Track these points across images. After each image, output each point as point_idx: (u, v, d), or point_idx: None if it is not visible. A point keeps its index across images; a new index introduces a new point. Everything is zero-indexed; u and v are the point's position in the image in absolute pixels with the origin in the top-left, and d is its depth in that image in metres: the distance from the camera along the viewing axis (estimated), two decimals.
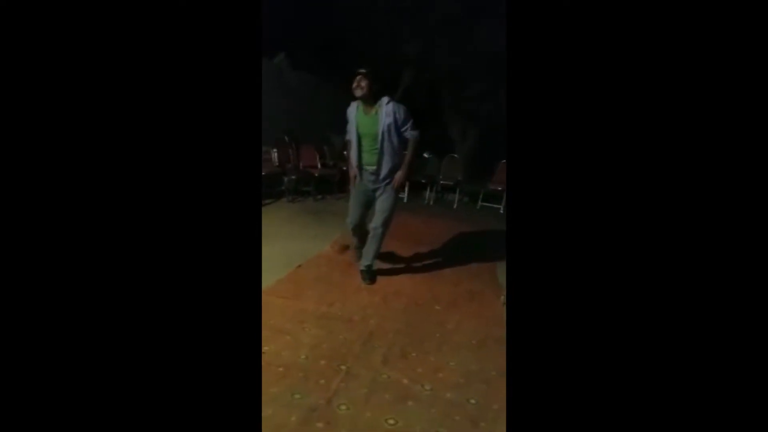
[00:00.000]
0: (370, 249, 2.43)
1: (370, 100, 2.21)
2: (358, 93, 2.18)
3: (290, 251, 2.83)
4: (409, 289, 2.43)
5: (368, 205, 2.42)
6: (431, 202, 5.49)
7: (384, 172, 2.27)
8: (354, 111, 2.29)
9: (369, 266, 2.44)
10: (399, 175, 2.30)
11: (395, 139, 2.24)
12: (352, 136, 2.31)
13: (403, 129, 2.24)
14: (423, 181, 5.65)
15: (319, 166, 5.25)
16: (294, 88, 5.58)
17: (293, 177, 4.79)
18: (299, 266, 2.58)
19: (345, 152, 2.44)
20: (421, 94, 6.51)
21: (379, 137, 2.21)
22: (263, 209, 4.00)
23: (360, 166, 2.33)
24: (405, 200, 5.44)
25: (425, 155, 6.37)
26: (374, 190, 2.36)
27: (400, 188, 2.36)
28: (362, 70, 2.17)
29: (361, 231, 2.50)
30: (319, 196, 4.94)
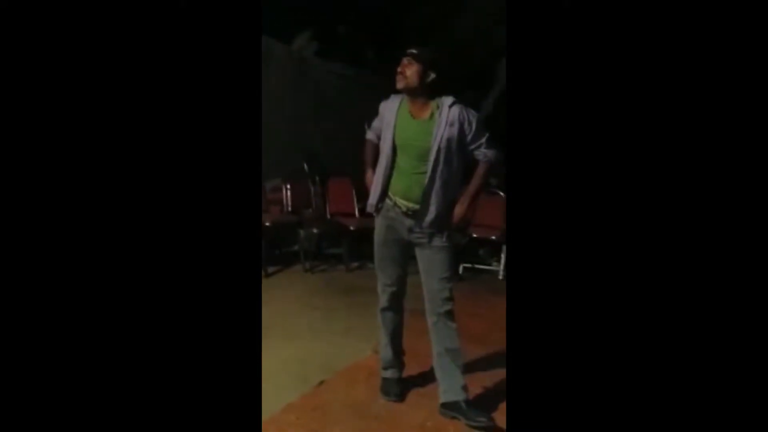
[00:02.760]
0: (449, 363, 2.33)
1: (422, 96, 2.25)
2: (401, 84, 2.24)
3: (307, 357, 2.84)
4: None
5: (407, 261, 2.41)
6: None
7: (432, 213, 2.24)
8: (394, 108, 2.32)
9: (459, 399, 2.31)
10: (458, 209, 2.31)
11: (457, 162, 2.26)
12: (383, 145, 2.33)
13: (472, 146, 2.27)
14: None
15: (356, 213, 5.35)
16: (321, 87, 5.89)
17: (315, 230, 4.90)
18: (321, 383, 2.58)
19: (365, 162, 2.52)
20: None
21: (432, 155, 2.21)
22: (266, 282, 4.10)
23: (383, 196, 2.33)
24: (500, 275, 5.34)
25: None
26: (413, 242, 2.33)
27: (462, 230, 2.36)
28: (412, 51, 2.23)
29: (397, 312, 2.47)
30: (356, 264, 4.98)
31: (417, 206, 2.27)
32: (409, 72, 2.22)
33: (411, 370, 2.63)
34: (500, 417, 2.40)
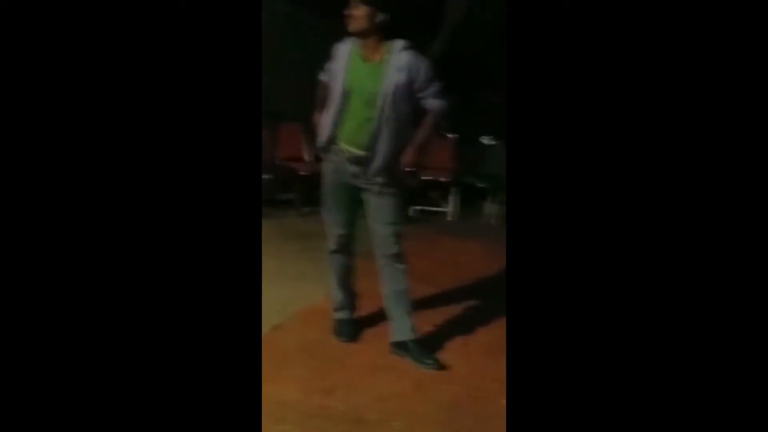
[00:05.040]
0: (397, 304, 2.46)
1: (374, 39, 2.24)
2: (352, 26, 2.22)
3: (262, 302, 2.87)
4: (461, 368, 2.44)
5: (355, 205, 2.46)
6: (494, 221, 5.51)
7: (379, 160, 2.27)
8: (346, 51, 2.31)
9: (407, 339, 2.44)
10: (407, 155, 2.34)
11: (404, 109, 2.26)
12: (333, 91, 2.32)
13: (421, 94, 2.28)
14: (480, 185, 5.68)
15: (307, 158, 5.35)
16: (266, 29, 5.72)
17: (267, 177, 4.88)
18: (276, 327, 2.64)
19: (316, 103, 2.52)
20: (478, 42, 6.58)
21: (379, 101, 2.22)
22: None
23: (332, 141, 2.35)
24: (449, 216, 5.48)
25: (485, 141, 6.41)
26: (359, 187, 2.38)
27: (413, 174, 2.37)
28: None
29: (347, 255, 2.54)
30: (307, 208, 5.02)
31: (362, 152, 2.28)
32: (358, 14, 2.19)
33: (364, 310, 2.74)
34: (448, 354, 2.55)
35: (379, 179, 2.31)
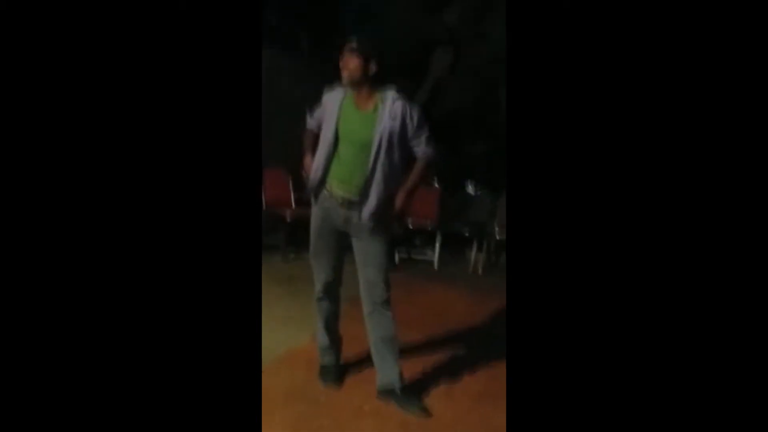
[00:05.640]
0: (384, 351, 2.44)
1: (366, 87, 2.30)
2: (347, 77, 2.27)
3: None
4: (446, 414, 2.42)
5: (343, 250, 2.47)
6: (480, 270, 5.54)
7: (372, 205, 2.30)
8: (338, 100, 2.35)
9: (394, 386, 2.43)
10: (397, 203, 2.37)
11: (396, 155, 2.30)
12: (324, 137, 2.35)
13: (412, 141, 2.32)
14: (466, 234, 5.72)
15: (293, 203, 5.37)
16: None
17: None
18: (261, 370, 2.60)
19: (304, 149, 2.55)
20: (463, 94, 6.74)
21: (374, 148, 2.25)
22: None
23: (320, 184, 2.37)
24: (434, 264, 5.50)
25: (469, 189, 6.50)
26: (348, 233, 2.40)
27: (399, 221, 2.40)
28: (352, 43, 2.26)
29: (333, 301, 2.54)
30: (292, 254, 5.01)
31: (354, 197, 2.30)
32: (352, 65, 2.23)
33: (350, 355, 2.71)
34: (434, 400, 2.53)
35: (370, 224, 2.32)
